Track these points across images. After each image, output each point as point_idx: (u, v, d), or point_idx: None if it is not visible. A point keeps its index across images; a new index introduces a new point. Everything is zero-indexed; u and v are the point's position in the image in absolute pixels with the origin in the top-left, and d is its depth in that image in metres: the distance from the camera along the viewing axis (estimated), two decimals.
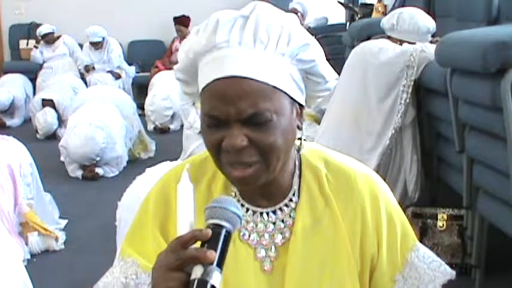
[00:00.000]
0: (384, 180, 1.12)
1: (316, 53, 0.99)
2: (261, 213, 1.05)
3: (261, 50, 0.93)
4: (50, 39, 7.53)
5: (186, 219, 0.89)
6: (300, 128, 1.01)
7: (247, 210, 1.05)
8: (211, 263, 0.81)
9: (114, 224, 1.99)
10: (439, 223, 2.81)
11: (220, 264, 0.82)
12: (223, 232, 0.83)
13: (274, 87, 0.93)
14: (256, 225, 1.04)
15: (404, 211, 1.12)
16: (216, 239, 0.83)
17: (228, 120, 0.92)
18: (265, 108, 0.92)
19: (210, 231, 0.83)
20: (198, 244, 0.84)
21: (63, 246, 3.34)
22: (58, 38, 7.61)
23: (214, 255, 0.81)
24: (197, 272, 0.80)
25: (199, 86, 0.97)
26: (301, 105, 1.01)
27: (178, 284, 0.81)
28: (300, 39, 0.96)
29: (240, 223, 0.86)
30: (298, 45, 0.96)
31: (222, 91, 0.92)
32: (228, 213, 0.84)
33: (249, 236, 1.04)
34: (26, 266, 1.90)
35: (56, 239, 3.31)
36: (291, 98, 0.96)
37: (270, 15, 0.95)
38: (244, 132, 0.92)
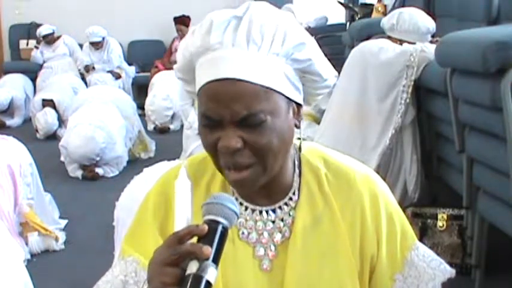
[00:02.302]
0: (384, 180, 1.12)
1: (312, 51, 0.98)
2: (260, 212, 1.04)
3: (255, 51, 0.92)
4: (50, 39, 7.54)
5: (183, 216, 0.89)
6: (298, 127, 1.00)
7: (247, 208, 1.05)
8: (207, 259, 0.80)
9: (113, 224, 1.99)
10: (439, 223, 2.81)
11: (216, 260, 0.81)
12: (220, 228, 0.83)
13: (268, 88, 0.92)
14: (256, 224, 1.04)
15: (404, 211, 1.12)
16: (212, 234, 0.82)
17: (222, 122, 0.92)
18: (259, 109, 0.91)
19: (206, 227, 0.82)
20: (194, 240, 0.83)
21: (63, 246, 3.34)
22: (58, 38, 7.62)
23: (210, 250, 0.80)
24: (192, 267, 0.80)
25: (196, 86, 0.97)
26: (298, 104, 1.00)
27: (173, 279, 0.81)
28: (294, 39, 0.95)
29: (236, 220, 0.86)
30: (293, 45, 0.95)
31: (216, 93, 0.91)
32: (225, 210, 0.84)
33: (248, 234, 1.04)
34: (26, 266, 1.89)
35: (56, 239, 3.31)
36: (287, 97, 0.96)
37: (264, 15, 0.94)
38: (239, 133, 0.92)
